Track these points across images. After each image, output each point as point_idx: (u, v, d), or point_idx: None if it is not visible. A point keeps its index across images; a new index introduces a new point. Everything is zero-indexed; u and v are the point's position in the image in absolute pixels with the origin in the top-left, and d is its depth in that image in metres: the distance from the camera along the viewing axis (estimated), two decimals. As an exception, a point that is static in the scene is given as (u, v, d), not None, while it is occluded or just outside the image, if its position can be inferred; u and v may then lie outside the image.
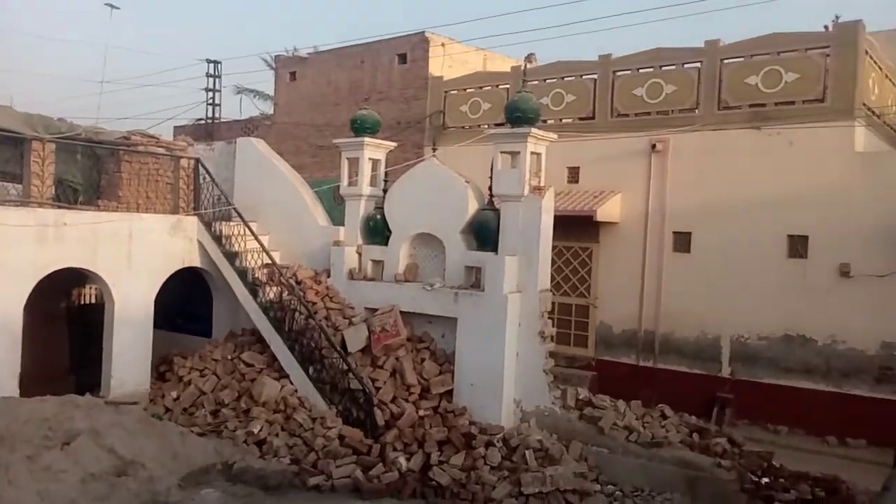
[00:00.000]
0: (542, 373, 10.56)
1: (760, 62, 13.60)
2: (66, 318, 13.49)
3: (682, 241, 14.22)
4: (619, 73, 15.35)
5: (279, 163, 14.28)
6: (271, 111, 23.00)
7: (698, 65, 14.39)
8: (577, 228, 14.44)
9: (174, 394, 11.30)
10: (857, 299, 12.31)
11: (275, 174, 13.93)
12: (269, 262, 12.18)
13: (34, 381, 10.36)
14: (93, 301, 13.96)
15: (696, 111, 14.33)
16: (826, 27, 13.92)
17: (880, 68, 14.08)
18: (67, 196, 11.96)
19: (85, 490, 8.17)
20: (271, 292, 11.94)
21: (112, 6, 21.52)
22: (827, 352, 12.69)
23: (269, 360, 11.65)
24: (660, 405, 11.15)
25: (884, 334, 12.17)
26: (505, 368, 10.50)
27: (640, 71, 15.10)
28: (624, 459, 9.45)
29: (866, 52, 13.03)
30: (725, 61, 14.06)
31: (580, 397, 10.60)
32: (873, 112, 13.54)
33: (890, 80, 14.75)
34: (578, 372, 13.99)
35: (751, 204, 13.25)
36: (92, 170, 12.63)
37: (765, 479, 9.12)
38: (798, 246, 13.00)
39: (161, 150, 13.34)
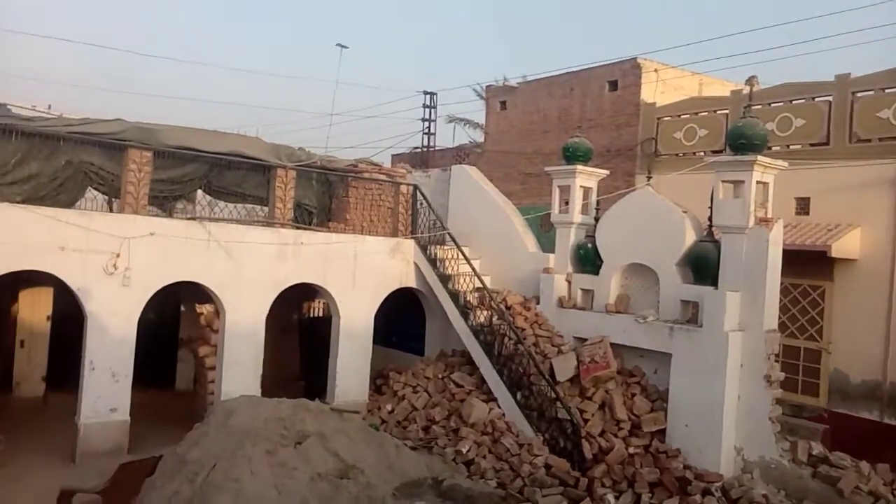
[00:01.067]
0: (767, 420, 9.75)
1: None
2: (298, 328, 14.80)
3: (941, 283, 12.44)
4: (859, 94, 13.89)
5: (491, 189, 14.66)
6: (481, 139, 23.74)
7: (963, 83, 12.64)
8: (806, 264, 13.17)
9: (389, 407, 11.92)
10: None
11: (487, 200, 14.32)
12: (481, 286, 12.49)
13: (271, 383, 11.46)
14: (319, 314, 15.21)
15: (962, 134, 12.56)
16: None
17: None
18: (303, 218, 13.20)
19: (314, 488, 8.79)
20: (481, 316, 12.22)
21: (342, 46, 23.64)
22: None
23: (478, 382, 11.90)
24: (915, 472, 9.76)
25: None
26: (724, 411, 9.83)
27: (887, 91, 13.56)
28: (869, 528, 8.39)
29: None
30: None
31: (813, 452, 9.60)
32: None
33: None
34: (807, 423, 12.63)
35: None
36: (324, 195, 13.84)
37: None
38: None
39: (383, 177, 14.29)
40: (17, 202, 9.94)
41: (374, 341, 12.89)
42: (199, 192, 12.53)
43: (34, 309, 13.70)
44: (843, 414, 12.90)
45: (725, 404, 9.83)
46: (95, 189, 11.39)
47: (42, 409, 13.00)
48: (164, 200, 12.17)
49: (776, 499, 8.84)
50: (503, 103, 22.10)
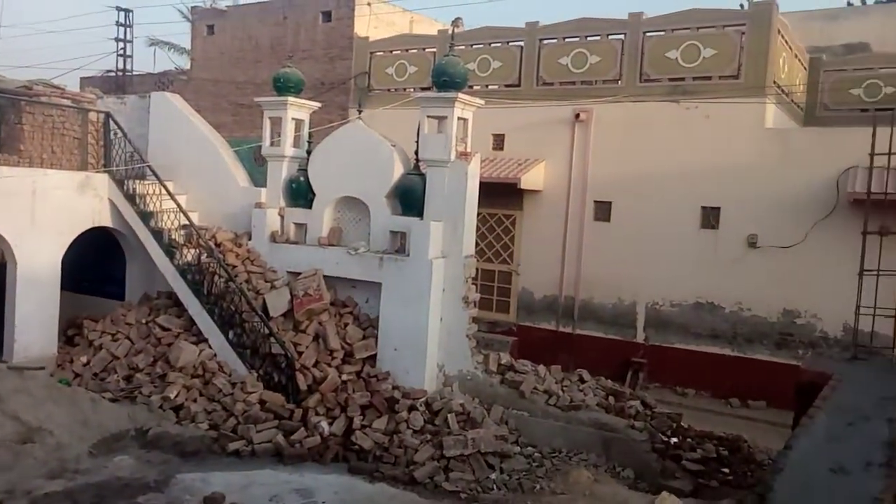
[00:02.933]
0: (465, 338, 10.68)
1: (680, 37, 13.93)
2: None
3: (603, 210, 14.59)
4: (545, 42, 15.42)
5: (197, 120, 13.69)
6: (188, 66, 22.00)
7: (622, 36, 14.61)
8: (501, 195, 14.57)
9: (84, 359, 10.83)
10: (763, 269, 12.98)
11: (192, 132, 13.36)
12: (187, 223, 11.74)
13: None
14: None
15: (619, 82, 14.58)
16: (742, 5, 14.41)
17: (790, 48, 14.68)
18: (-39, 148, 11.12)
19: (-14, 458, 7.77)
20: (189, 254, 11.54)
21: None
22: (733, 318, 13.38)
23: (187, 323, 11.31)
24: (578, 369, 11.50)
25: (785, 302, 12.91)
26: (429, 333, 10.54)
27: (566, 40, 15.22)
28: (543, 422, 9.71)
29: (779, 32, 13.54)
30: (648, 34, 14.32)
31: (502, 362, 10.78)
32: (783, 90, 14.16)
33: (799, 59, 15.43)
34: (500, 337, 14.20)
35: (668, 175, 13.69)
36: (-11, 121, 11.77)
37: (674, 439, 9.58)
38: (710, 217, 13.56)
39: (66, 102, 12.59)
40: None
41: (64, 287, 11.49)
42: None
43: None
44: (528, 326, 14.74)
45: (430, 326, 10.54)
46: None
47: None
48: None
49: (471, 406, 9.82)
50: (211, 27, 20.64)
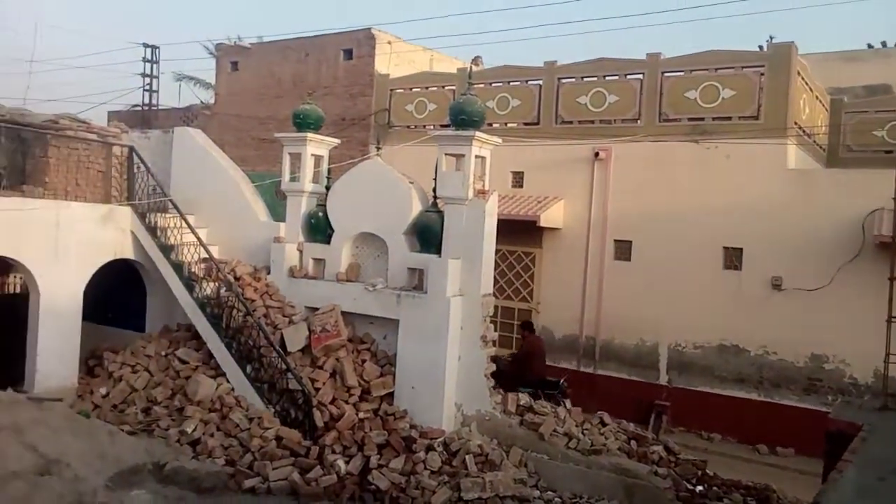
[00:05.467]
0: (483, 377, 10.54)
1: (699, 77, 13.99)
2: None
3: (623, 249, 14.50)
4: (563, 81, 15.54)
5: (218, 155, 13.85)
6: (212, 101, 22.39)
7: (640, 76, 14.69)
8: (520, 233, 14.55)
9: (103, 390, 10.82)
10: (788, 312, 12.77)
11: (214, 166, 13.50)
12: (207, 256, 11.81)
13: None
14: (15, 291, 13.24)
15: (638, 122, 14.63)
16: (761, 47, 14.44)
17: (811, 89, 14.69)
18: (-12, 180, 11.31)
19: (4, 489, 7.73)
20: (208, 288, 11.58)
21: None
22: (759, 362, 13.13)
23: (206, 357, 11.29)
24: (599, 412, 11.27)
25: (813, 346, 12.67)
26: (446, 372, 10.42)
27: (585, 79, 15.33)
28: (563, 466, 9.50)
29: (798, 73, 13.56)
30: (666, 74, 14.40)
31: (521, 403, 10.60)
32: (804, 131, 14.12)
33: (819, 100, 15.42)
34: (520, 377, 14.03)
35: (689, 215, 13.61)
36: (16, 153, 11.97)
37: (699, 487, 9.29)
38: (733, 258, 13.42)
39: (92, 136, 12.80)
40: None
41: (86, 318, 11.55)
42: None
43: None
44: (549, 366, 14.54)
45: (447, 365, 10.42)
46: None
47: None
48: None
49: (489, 447, 9.65)
50: (235, 64, 21.05)
